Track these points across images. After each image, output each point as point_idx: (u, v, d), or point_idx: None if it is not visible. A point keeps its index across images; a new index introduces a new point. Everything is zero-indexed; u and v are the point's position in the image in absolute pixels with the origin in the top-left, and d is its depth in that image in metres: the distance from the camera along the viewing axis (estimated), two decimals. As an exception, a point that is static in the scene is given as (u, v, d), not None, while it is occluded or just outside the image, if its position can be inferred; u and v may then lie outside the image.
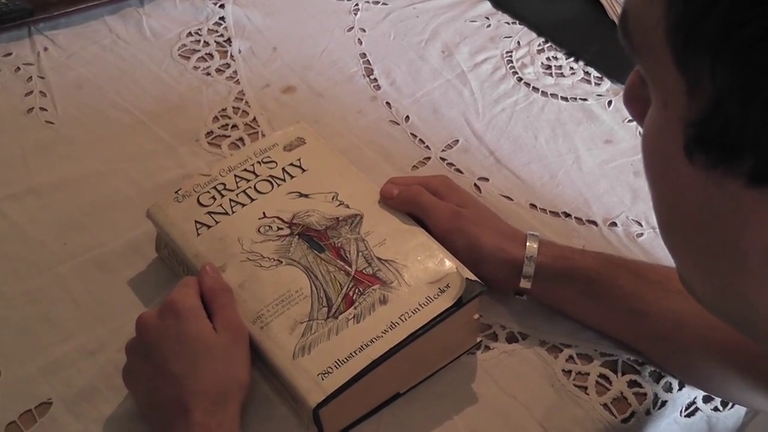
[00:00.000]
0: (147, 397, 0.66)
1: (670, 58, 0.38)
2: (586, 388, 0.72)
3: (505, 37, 1.13)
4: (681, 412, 0.73)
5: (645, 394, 0.72)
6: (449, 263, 0.71)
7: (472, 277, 0.70)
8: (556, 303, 0.76)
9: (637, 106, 0.46)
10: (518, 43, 1.12)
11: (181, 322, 0.66)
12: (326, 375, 0.64)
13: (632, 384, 0.72)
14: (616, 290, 0.72)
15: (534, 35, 1.14)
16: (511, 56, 1.10)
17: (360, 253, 0.73)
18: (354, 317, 0.68)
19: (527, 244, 0.74)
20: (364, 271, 0.71)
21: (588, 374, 0.73)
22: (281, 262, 0.72)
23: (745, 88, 0.35)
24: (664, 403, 0.72)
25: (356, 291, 0.70)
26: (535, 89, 1.05)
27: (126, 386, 0.68)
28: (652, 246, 0.84)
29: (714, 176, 0.39)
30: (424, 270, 0.71)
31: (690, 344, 0.70)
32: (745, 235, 0.40)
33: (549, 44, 1.12)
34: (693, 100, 0.38)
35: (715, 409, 0.74)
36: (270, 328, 0.67)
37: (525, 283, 0.73)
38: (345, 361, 0.64)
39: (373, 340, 0.66)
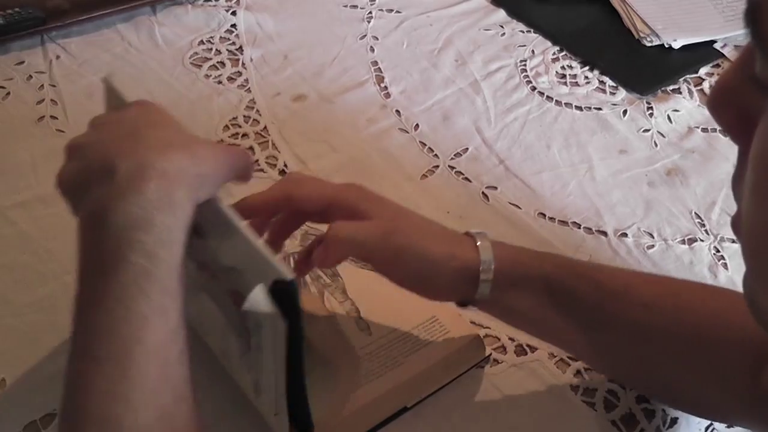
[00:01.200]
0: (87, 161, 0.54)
1: None
2: (594, 404, 0.71)
3: (520, 46, 1.12)
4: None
5: (654, 411, 0.71)
6: None
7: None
8: (508, 315, 0.68)
9: (730, 112, 0.38)
10: (532, 51, 1.11)
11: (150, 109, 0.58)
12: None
13: (641, 400, 0.71)
14: (575, 302, 0.65)
15: (549, 44, 1.13)
16: (525, 65, 1.09)
17: None
18: None
19: (479, 244, 0.64)
20: None
21: (596, 390, 0.72)
22: None
23: None
24: (674, 420, 0.71)
25: None
26: (549, 98, 1.04)
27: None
28: (662, 258, 0.83)
29: None
30: None
31: (650, 357, 0.65)
32: None
33: (564, 53, 1.11)
34: None
35: (729, 426, 0.73)
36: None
37: (483, 292, 0.64)
38: None
39: None
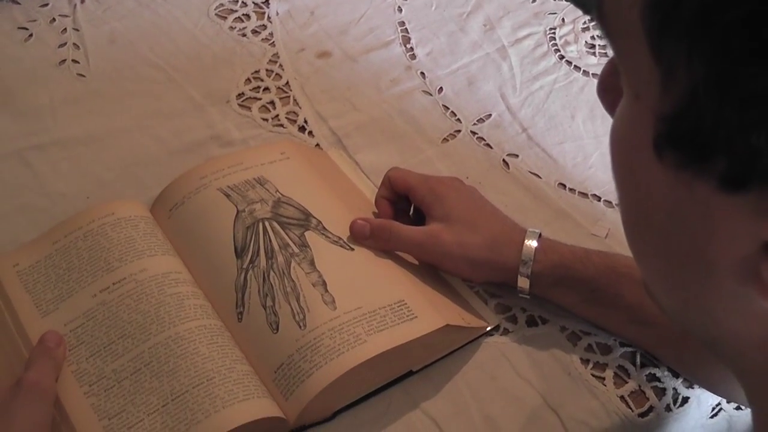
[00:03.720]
0: None
1: (645, 44, 0.35)
2: (603, 378, 0.70)
3: (550, 14, 1.10)
4: (707, 416, 0.71)
5: (664, 389, 0.69)
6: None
7: None
8: (559, 305, 0.73)
9: (609, 97, 0.44)
10: (563, 20, 1.09)
11: None
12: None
13: (651, 378, 0.70)
14: (618, 300, 0.69)
15: (579, 12, 1.10)
16: (554, 33, 1.07)
17: None
18: None
19: (525, 244, 0.70)
20: None
21: (606, 365, 0.70)
22: None
23: (722, 81, 0.32)
24: (686, 399, 0.69)
25: None
26: (577, 68, 1.02)
27: None
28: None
29: (683, 177, 0.36)
30: None
31: (698, 350, 0.66)
32: (714, 244, 0.37)
33: (594, 22, 1.09)
34: (667, 92, 0.35)
35: (738, 408, 0.72)
36: None
37: (523, 287, 0.71)
38: None
39: None
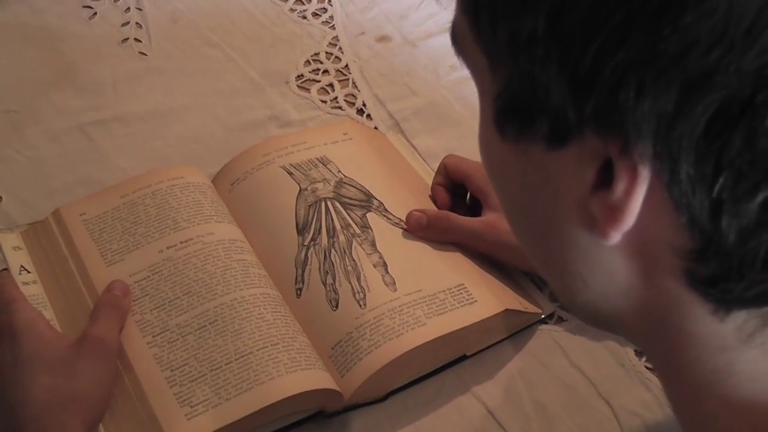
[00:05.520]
0: None
1: (475, 43, 0.39)
2: (658, 371, 0.69)
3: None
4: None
5: (720, 384, 0.68)
6: None
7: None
8: None
9: None
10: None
11: (16, 341, 0.60)
12: None
13: (707, 372, 0.69)
14: None
15: None
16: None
17: None
18: None
19: None
20: None
21: (662, 357, 0.70)
22: None
23: (512, 37, 0.36)
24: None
25: None
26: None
27: None
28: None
29: (522, 147, 0.39)
30: None
31: None
32: (560, 203, 0.39)
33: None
34: (494, 75, 0.39)
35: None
36: None
37: None
38: None
39: None
